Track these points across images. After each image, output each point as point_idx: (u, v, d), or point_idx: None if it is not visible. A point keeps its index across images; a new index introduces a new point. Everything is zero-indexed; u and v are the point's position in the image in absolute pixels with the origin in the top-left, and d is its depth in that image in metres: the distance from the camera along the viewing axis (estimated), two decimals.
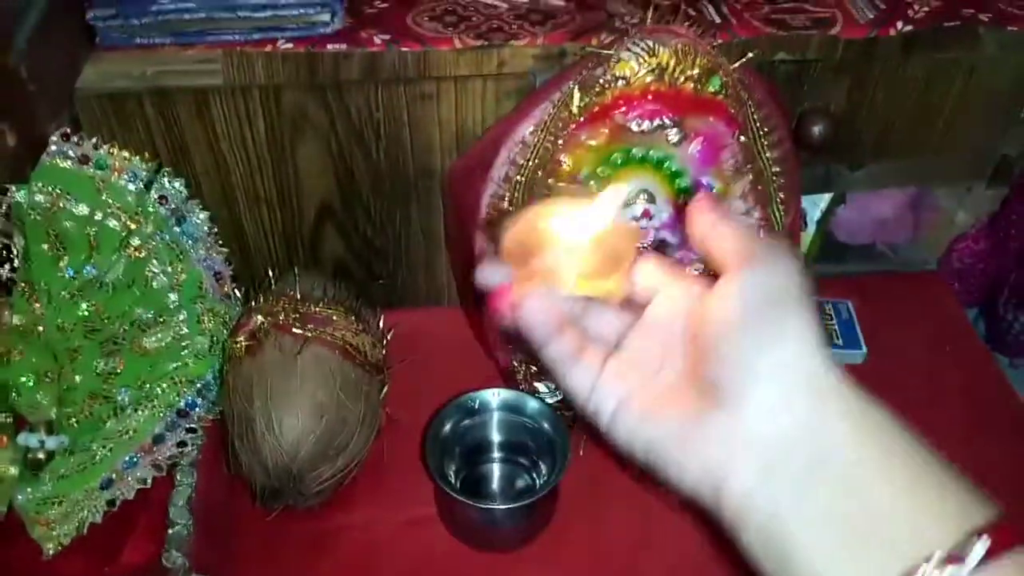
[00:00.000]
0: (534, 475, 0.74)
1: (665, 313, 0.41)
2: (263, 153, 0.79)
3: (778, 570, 0.34)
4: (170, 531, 0.62)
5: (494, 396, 0.72)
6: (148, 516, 0.65)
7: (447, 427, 0.70)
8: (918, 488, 0.33)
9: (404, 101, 0.77)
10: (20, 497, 0.65)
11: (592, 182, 0.73)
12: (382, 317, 0.79)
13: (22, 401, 0.68)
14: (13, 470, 0.66)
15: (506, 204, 0.73)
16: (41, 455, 0.67)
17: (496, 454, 0.74)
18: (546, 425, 0.71)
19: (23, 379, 0.68)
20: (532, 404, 0.72)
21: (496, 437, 0.74)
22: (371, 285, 0.90)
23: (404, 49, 0.73)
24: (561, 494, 0.71)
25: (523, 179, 0.72)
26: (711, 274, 0.39)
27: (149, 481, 0.67)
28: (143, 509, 0.66)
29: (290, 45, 0.72)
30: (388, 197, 0.84)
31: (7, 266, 0.65)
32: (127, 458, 0.67)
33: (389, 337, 0.78)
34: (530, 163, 0.72)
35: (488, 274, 0.44)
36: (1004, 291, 0.97)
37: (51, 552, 0.63)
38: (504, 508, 0.67)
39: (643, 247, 0.80)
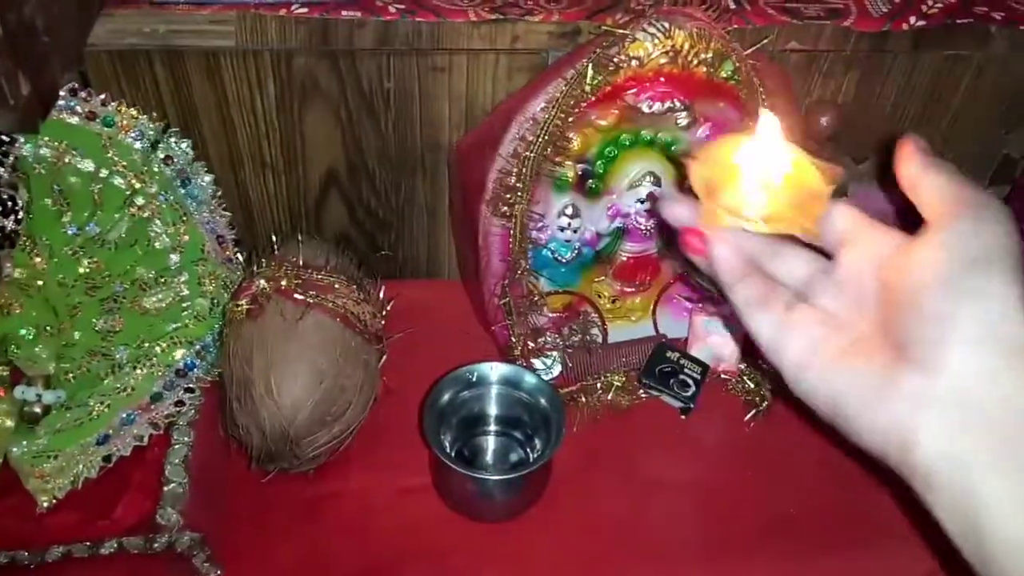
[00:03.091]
0: (528, 449, 0.74)
1: (858, 265, 0.39)
2: (271, 118, 0.78)
3: (966, 530, 0.34)
4: (165, 489, 0.62)
5: (492, 369, 0.73)
6: (143, 474, 0.65)
7: (445, 398, 0.71)
8: None
9: (416, 72, 0.76)
10: (15, 450, 0.65)
11: None
12: (382, 288, 0.79)
13: (21, 354, 0.67)
14: (9, 423, 0.66)
15: (513, 180, 0.73)
16: (38, 409, 0.67)
17: (492, 427, 0.75)
18: (542, 400, 0.71)
19: (23, 332, 0.68)
20: (529, 379, 0.72)
21: (493, 410, 0.74)
22: (373, 256, 0.90)
23: (419, 20, 0.72)
24: (554, 469, 0.71)
25: (531, 156, 0.72)
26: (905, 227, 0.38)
27: (146, 439, 0.67)
28: (139, 466, 0.66)
29: (304, 10, 0.71)
30: (394, 169, 0.84)
31: (11, 218, 0.65)
32: (124, 415, 0.67)
33: (389, 308, 0.78)
34: (539, 140, 0.72)
35: (675, 209, 0.44)
36: None
37: (45, 505, 0.63)
38: (498, 479, 0.68)
39: (644, 231, 0.81)
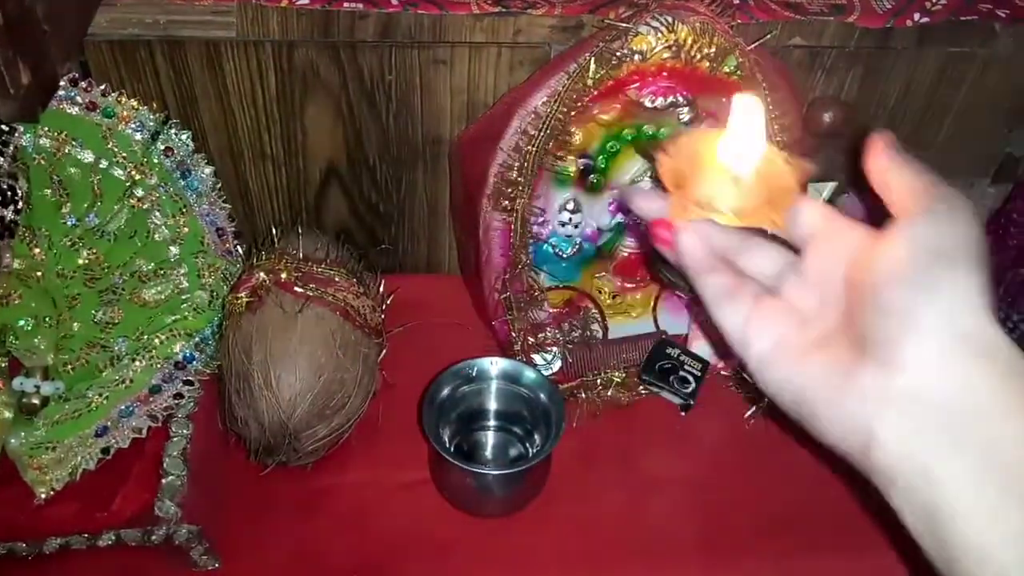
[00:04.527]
0: (528, 445, 0.74)
1: (825, 260, 0.39)
2: (272, 110, 0.78)
3: (927, 525, 0.33)
4: (163, 481, 0.62)
5: (492, 365, 0.72)
6: (142, 465, 0.65)
7: (444, 392, 0.70)
8: None
9: (417, 65, 0.76)
10: (13, 441, 0.65)
11: None
12: (382, 282, 0.79)
13: (19, 345, 0.67)
14: (7, 414, 0.66)
15: (514, 175, 0.73)
16: (36, 400, 0.66)
17: (491, 422, 0.75)
18: (542, 396, 0.71)
19: (21, 323, 0.67)
20: (529, 374, 0.72)
21: (492, 405, 0.74)
22: (372, 249, 0.90)
23: (421, 12, 0.72)
24: (553, 465, 0.71)
25: (533, 150, 0.72)
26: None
27: (144, 431, 0.66)
28: (137, 458, 0.65)
29: (306, 1, 0.71)
30: (395, 162, 0.83)
31: (11, 208, 0.64)
32: (123, 407, 0.67)
33: (389, 302, 0.78)
34: (541, 134, 0.71)
35: (643, 201, 0.43)
36: (999, 289, 0.97)
37: (43, 496, 0.63)
38: (497, 474, 0.67)
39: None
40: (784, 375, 0.38)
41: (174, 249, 0.77)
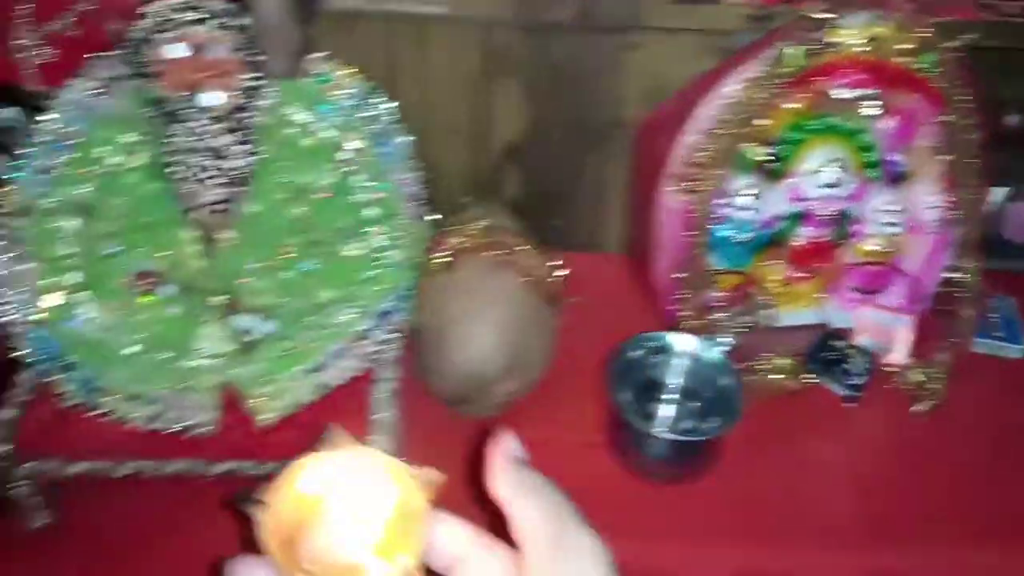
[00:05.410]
0: (699, 422, 0.76)
1: None
2: (467, 86, 0.83)
3: None
4: (374, 417, 0.67)
5: (678, 339, 0.75)
6: (353, 404, 0.70)
7: (628, 360, 0.74)
8: None
9: (610, 48, 0.80)
10: (235, 372, 0.71)
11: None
12: (559, 255, 0.83)
13: (242, 288, 0.73)
14: (229, 346, 0.72)
15: (701, 158, 0.76)
16: (253, 338, 0.73)
17: (670, 395, 0.77)
18: (724, 378, 0.73)
19: (245, 265, 0.74)
20: (713, 354, 0.74)
21: (673, 379, 0.76)
22: (544, 225, 0.94)
23: None
24: (727, 442, 0.73)
25: (723, 135, 0.74)
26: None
27: (354, 372, 0.72)
28: (348, 398, 0.71)
29: None
30: (573, 142, 0.87)
31: (248, 159, 0.70)
32: (335, 348, 0.72)
33: (566, 273, 0.82)
34: (730, 120, 0.74)
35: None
36: None
37: (265, 423, 0.69)
38: (677, 440, 0.70)
39: (823, 217, 0.82)
40: None
41: (372, 211, 0.82)
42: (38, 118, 0.72)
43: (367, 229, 0.81)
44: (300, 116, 0.79)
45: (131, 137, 0.74)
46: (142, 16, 0.63)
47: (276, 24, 0.67)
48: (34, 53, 0.96)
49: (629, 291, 0.89)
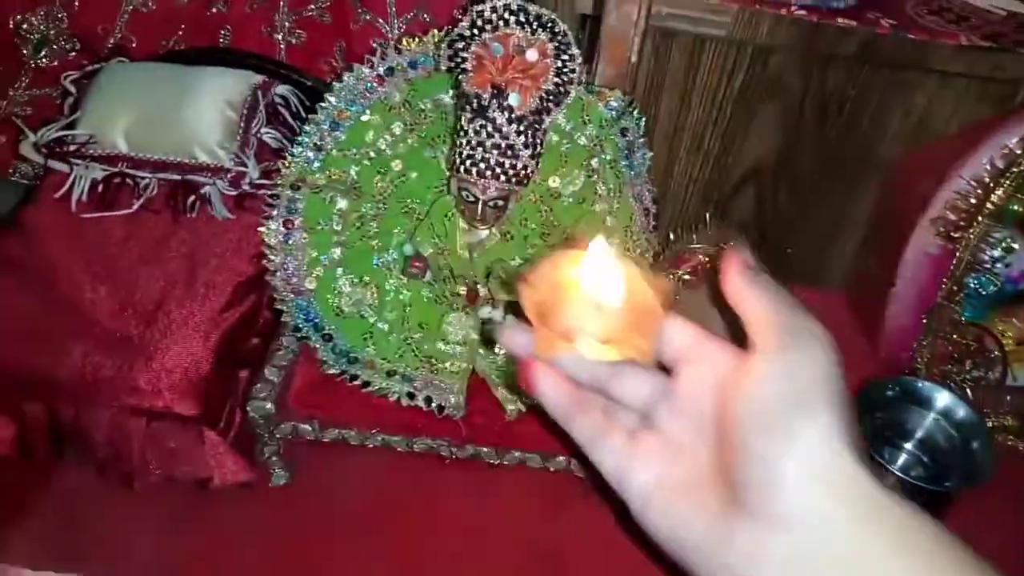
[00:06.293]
0: (936, 477, 0.74)
1: (696, 385, 0.37)
2: (726, 108, 0.83)
3: None
4: None
5: (927, 390, 0.74)
6: None
7: (878, 398, 0.73)
8: None
9: (882, 85, 0.78)
10: (480, 361, 0.74)
11: None
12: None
13: (494, 285, 0.76)
14: (474, 335, 0.75)
15: (970, 205, 0.74)
16: (495, 328, 0.75)
17: (907, 444, 0.76)
18: (972, 442, 0.72)
19: (511, 263, 0.76)
20: (964, 413, 0.72)
21: (911, 428, 0.75)
22: (768, 253, 0.93)
23: (910, 36, 0.74)
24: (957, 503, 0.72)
25: (1002, 184, 0.73)
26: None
27: None
28: None
29: (803, 12, 0.75)
30: (819, 173, 0.86)
31: (535, 159, 0.73)
32: None
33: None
34: (1013, 171, 0.72)
35: (511, 337, 0.39)
36: None
37: (512, 415, 0.71)
38: (917, 486, 0.68)
39: None
40: (662, 520, 0.36)
41: (609, 220, 0.83)
42: (326, 97, 0.76)
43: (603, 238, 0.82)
44: (565, 123, 0.81)
45: (399, 127, 0.78)
46: (463, 13, 0.65)
47: (621, 31, 0.68)
48: (287, 36, 1.02)
49: (850, 330, 0.88)
